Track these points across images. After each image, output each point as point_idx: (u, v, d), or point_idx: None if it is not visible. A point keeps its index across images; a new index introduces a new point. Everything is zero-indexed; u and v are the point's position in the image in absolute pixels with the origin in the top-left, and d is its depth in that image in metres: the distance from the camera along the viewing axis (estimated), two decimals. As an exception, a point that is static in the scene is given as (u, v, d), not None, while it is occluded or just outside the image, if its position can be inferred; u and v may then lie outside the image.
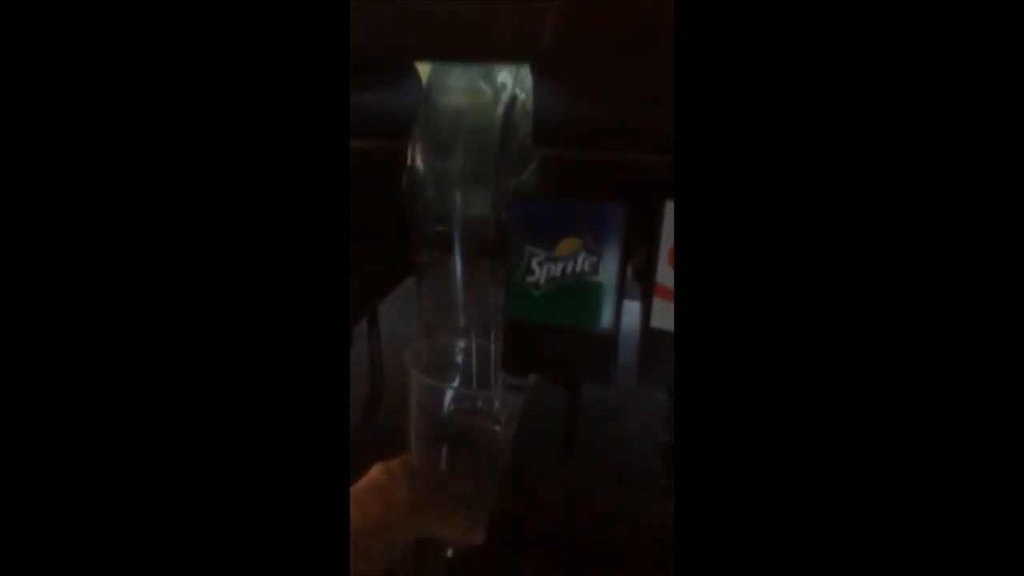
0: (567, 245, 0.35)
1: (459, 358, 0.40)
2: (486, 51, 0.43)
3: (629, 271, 0.37)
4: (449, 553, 0.38)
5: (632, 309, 0.38)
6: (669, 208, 0.34)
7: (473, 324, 0.46)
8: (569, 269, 0.35)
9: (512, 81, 0.46)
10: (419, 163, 0.44)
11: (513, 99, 0.45)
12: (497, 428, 0.38)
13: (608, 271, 0.35)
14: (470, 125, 0.45)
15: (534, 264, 0.36)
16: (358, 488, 0.37)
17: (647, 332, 0.35)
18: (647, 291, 0.35)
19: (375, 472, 0.38)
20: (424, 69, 0.46)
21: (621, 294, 0.36)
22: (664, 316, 0.35)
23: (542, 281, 0.36)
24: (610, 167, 0.44)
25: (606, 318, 0.36)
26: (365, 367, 0.51)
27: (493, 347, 0.40)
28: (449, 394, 0.38)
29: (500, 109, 0.44)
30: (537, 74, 0.45)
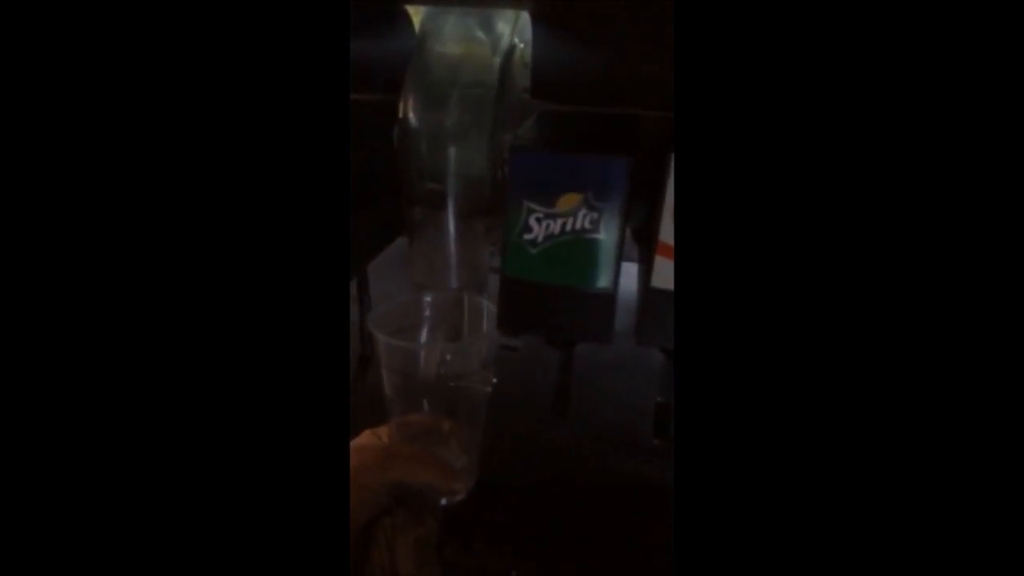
0: (567, 200, 0.34)
1: (426, 314, 0.39)
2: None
3: (628, 231, 0.36)
4: (444, 502, 0.38)
5: (627, 270, 0.37)
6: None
7: (466, 285, 0.45)
8: (569, 226, 0.34)
9: (510, 30, 0.44)
10: (411, 117, 0.42)
11: (511, 49, 0.43)
12: (488, 390, 0.37)
13: (609, 228, 0.34)
14: (466, 77, 0.43)
15: (532, 221, 0.34)
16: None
17: (648, 292, 0.35)
18: (648, 250, 0.34)
19: (362, 435, 0.39)
20: (417, 15, 0.44)
21: (620, 253, 0.35)
22: (667, 275, 0.34)
23: (540, 239, 0.35)
24: (613, 122, 0.42)
25: (605, 278, 0.35)
26: (355, 329, 0.50)
27: (466, 299, 0.39)
28: (434, 350, 0.37)
29: (498, 60, 0.42)
30: (536, 23, 0.43)
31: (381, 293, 0.52)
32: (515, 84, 0.45)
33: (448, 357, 0.36)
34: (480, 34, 0.43)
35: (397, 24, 0.44)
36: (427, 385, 0.36)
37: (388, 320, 0.37)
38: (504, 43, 0.43)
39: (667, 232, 0.33)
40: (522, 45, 0.44)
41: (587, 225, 0.34)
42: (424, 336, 0.39)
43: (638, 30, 0.41)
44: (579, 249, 0.34)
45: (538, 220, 0.34)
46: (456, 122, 0.43)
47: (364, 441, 0.38)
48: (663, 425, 0.46)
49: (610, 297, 0.35)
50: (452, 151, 0.42)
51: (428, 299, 0.40)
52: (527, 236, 0.35)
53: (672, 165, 0.32)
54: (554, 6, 0.41)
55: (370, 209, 0.46)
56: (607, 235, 0.34)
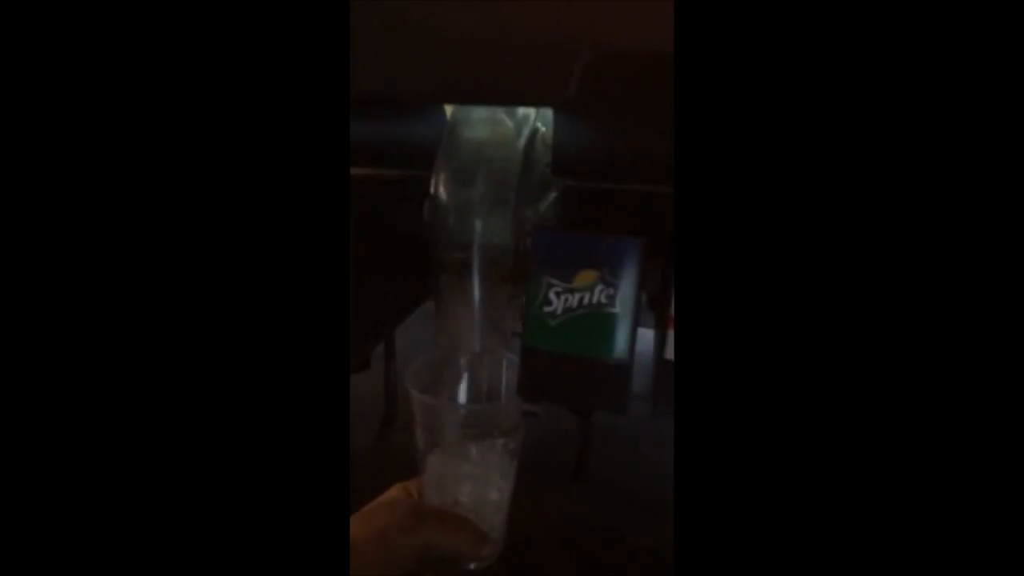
0: (585, 277, 0.36)
1: (464, 375, 0.40)
2: (513, 96, 0.44)
3: (644, 299, 0.38)
4: (472, 566, 0.38)
5: (644, 336, 0.39)
6: (685, 243, 0.35)
7: (490, 348, 0.47)
8: (586, 300, 0.36)
9: (534, 114, 0.47)
10: (441, 191, 0.45)
11: (535, 131, 0.47)
12: (512, 446, 0.37)
13: (624, 303, 0.36)
14: (492, 155, 0.46)
15: (552, 295, 0.37)
16: (376, 503, 0.37)
17: (660, 363, 0.36)
18: (661, 322, 0.36)
19: (392, 490, 0.39)
20: (449, 105, 0.48)
21: (636, 325, 0.37)
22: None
23: (559, 311, 0.37)
24: (627, 199, 0.45)
25: (621, 348, 0.37)
26: (381, 388, 0.53)
27: (505, 362, 0.40)
28: (458, 412, 0.37)
29: (521, 141, 0.46)
30: (556, 111, 0.47)
31: (409, 353, 0.54)
32: (538, 162, 0.48)
33: (474, 416, 0.37)
34: (505, 118, 0.47)
35: (432, 111, 0.48)
36: (456, 442, 0.37)
37: (424, 375, 0.38)
38: (528, 126, 0.46)
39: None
40: (544, 128, 0.48)
41: (603, 300, 0.36)
42: (460, 394, 0.40)
43: (650, 114, 0.44)
44: (596, 322, 0.36)
45: (557, 294, 0.37)
46: (482, 197, 0.46)
47: (395, 496, 0.38)
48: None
49: (626, 368, 0.37)
50: (478, 223, 0.45)
51: (464, 357, 0.41)
52: (547, 308, 0.37)
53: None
54: (574, 98, 0.44)
55: (401, 275, 0.49)
56: (623, 309, 0.36)
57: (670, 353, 0.36)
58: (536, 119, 0.47)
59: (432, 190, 0.46)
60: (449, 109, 0.47)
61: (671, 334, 0.36)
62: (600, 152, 0.48)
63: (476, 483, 0.37)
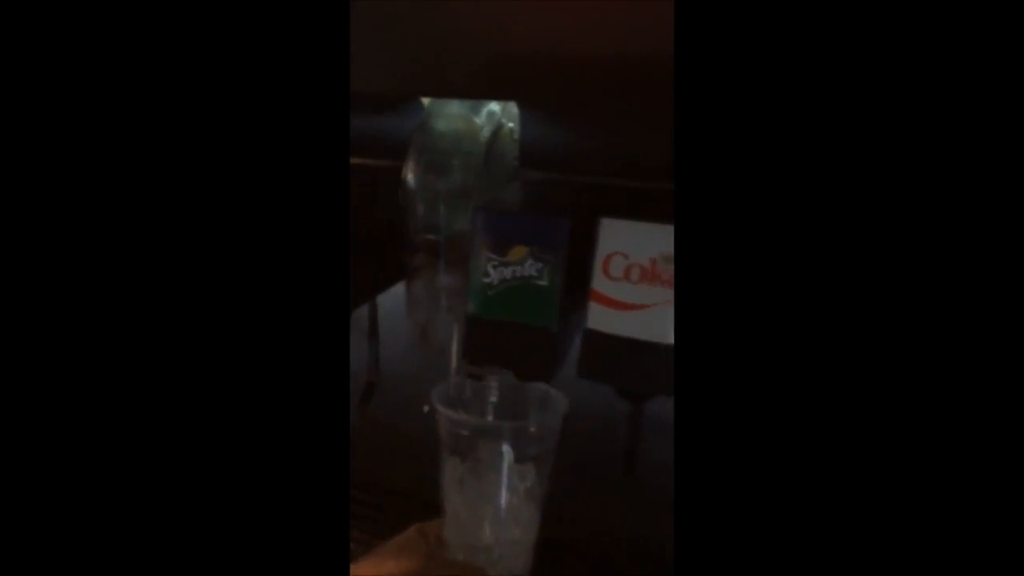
0: (517, 252, 0.40)
1: (492, 397, 0.39)
2: (482, 90, 0.49)
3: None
4: None
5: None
6: (605, 224, 0.39)
7: (455, 315, 0.51)
8: (519, 273, 0.41)
9: (500, 110, 0.52)
10: (411, 180, 0.51)
11: (499, 127, 0.51)
12: (530, 466, 0.35)
13: (553, 276, 0.40)
14: (459, 149, 0.51)
15: (490, 267, 0.41)
16: (391, 544, 0.36)
17: (585, 332, 0.40)
18: (585, 297, 0.40)
19: (410, 531, 0.37)
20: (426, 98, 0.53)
21: (565, 297, 0.41)
22: (599, 318, 0.40)
23: (496, 282, 0.41)
24: (571, 188, 0.49)
25: (551, 317, 0.41)
26: (360, 358, 0.58)
27: (530, 388, 0.39)
28: (498, 429, 0.36)
29: (484, 134, 0.51)
30: (521, 107, 0.51)
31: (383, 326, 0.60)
32: (505, 155, 0.53)
33: (511, 434, 0.35)
34: (474, 114, 0.52)
35: (410, 104, 0.54)
36: (484, 468, 0.35)
37: (449, 396, 0.36)
38: (494, 122, 0.51)
39: (598, 282, 0.39)
40: (511, 124, 0.53)
41: (534, 272, 0.40)
42: (488, 417, 0.38)
43: (605, 112, 0.48)
44: (528, 292, 0.41)
45: (494, 267, 0.41)
46: (448, 185, 0.51)
47: (410, 539, 0.36)
48: (630, 469, 0.50)
49: (554, 334, 0.41)
50: (442, 209, 0.50)
51: (494, 382, 0.39)
52: (486, 280, 0.42)
53: (601, 226, 0.39)
54: (535, 98, 0.49)
55: (377, 255, 0.54)
56: (551, 281, 0.40)
57: (593, 323, 0.40)
58: (502, 115, 0.52)
59: (404, 178, 0.51)
60: (426, 101, 0.52)
61: (593, 306, 0.40)
62: (560, 147, 0.52)
63: (499, 524, 0.35)
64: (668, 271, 0.38)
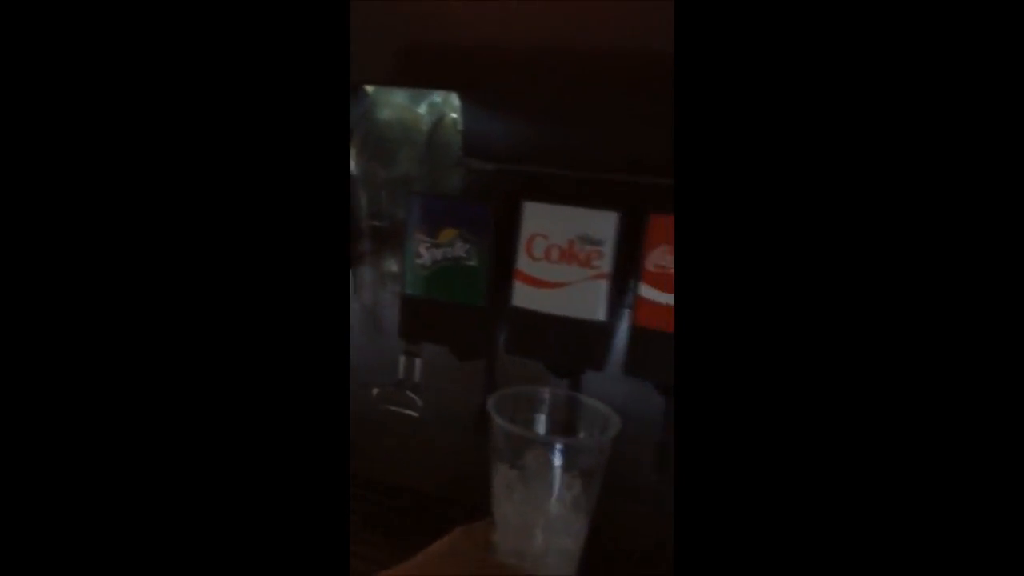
0: (447, 234, 0.43)
1: (545, 408, 0.39)
2: (426, 79, 0.51)
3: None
4: None
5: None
6: (527, 208, 0.41)
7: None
8: (449, 254, 0.43)
9: (442, 101, 0.54)
10: (354, 168, 0.53)
11: (441, 117, 0.54)
12: (576, 485, 0.35)
13: (481, 257, 0.43)
14: (401, 138, 0.54)
15: (422, 248, 0.44)
16: (436, 548, 0.35)
17: (510, 310, 0.43)
18: (511, 275, 0.43)
19: (456, 534, 0.36)
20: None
21: (494, 276, 0.43)
22: (523, 296, 0.42)
23: (428, 263, 0.44)
24: (511, 177, 0.52)
25: (480, 295, 0.43)
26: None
27: (581, 396, 0.39)
28: (552, 445, 0.35)
29: (426, 126, 0.53)
30: (462, 98, 0.54)
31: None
32: (448, 144, 0.55)
33: (566, 450, 0.35)
34: (416, 104, 0.54)
35: (354, 93, 0.56)
36: (537, 477, 0.35)
37: (506, 407, 0.37)
38: (436, 112, 0.54)
39: (522, 262, 0.42)
40: (454, 115, 0.55)
41: (463, 253, 0.43)
42: (539, 427, 0.38)
43: (539, 107, 0.51)
44: (457, 272, 0.43)
45: (426, 248, 0.43)
46: (392, 174, 0.54)
47: (459, 544, 0.35)
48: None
49: (484, 312, 0.43)
50: (385, 196, 0.53)
51: (547, 394, 0.39)
52: (419, 260, 0.44)
53: (524, 210, 0.41)
54: (478, 88, 0.51)
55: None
56: (479, 262, 0.43)
57: (518, 301, 0.42)
58: (445, 106, 0.54)
59: (351, 167, 0.54)
60: (370, 90, 0.54)
61: (516, 285, 0.42)
62: (499, 137, 0.54)
63: (550, 531, 0.35)
64: (585, 251, 0.40)
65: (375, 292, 0.56)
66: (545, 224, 0.41)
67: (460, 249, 0.43)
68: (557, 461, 0.35)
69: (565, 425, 0.38)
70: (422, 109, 0.54)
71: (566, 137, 0.50)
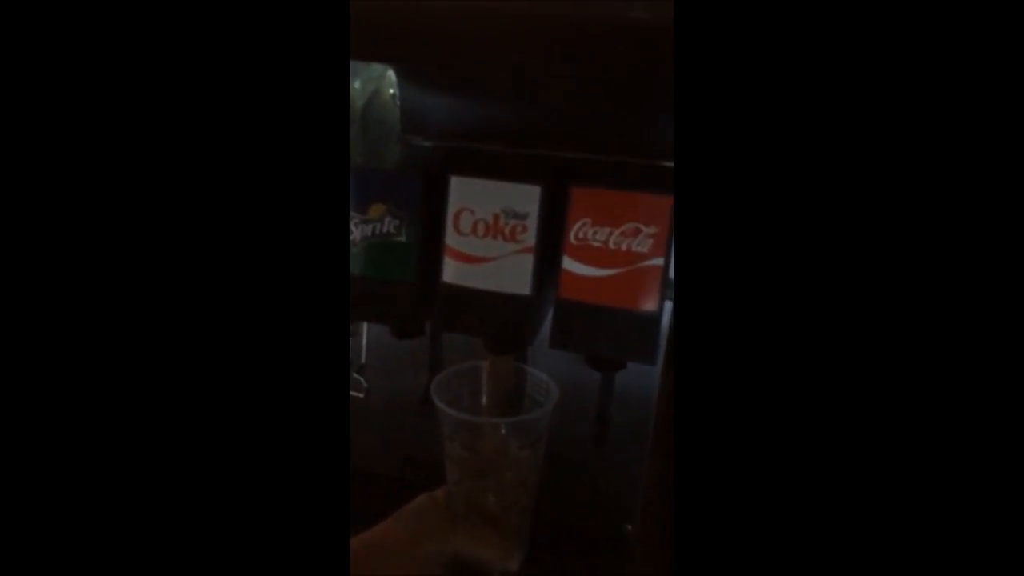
0: (376, 210, 0.43)
1: (484, 383, 0.40)
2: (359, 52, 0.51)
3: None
4: None
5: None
6: (454, 182, 0.41)
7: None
8: (378, 230, 0.43)
9: (378, 77, 0.54)
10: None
11: (375, 93, 0.53)
12: (526, 453, 0.37)
13: (411, 233, 0.43)
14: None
15: (352, 225, 0.43)
16: (401, 510, 0.37)
17: (441, 286, 0.43)
18: (440, 252, 0.43)
19: (420, 498, 0.38)
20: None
21: (424, 252, 0.43)
22: (452, 272, 0.42)
23: (358, 239, 0.44)
24: (450, 153, 0.51)
25: (410, 271, 0.43)
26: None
27: (522, 366, 0.40)
28: (498, 428, 0.37)
29: (360, 103, 0.52)
30: (398, 74, 0.53)
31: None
32: (385, 121, 0.55)
33: (513, 428, 0.36)
34: (352, 80, 0.53)
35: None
36: (488, 455, 0.37)
37: (449, 387, 0.38)
38: (370, 89, 0.53)
39: (451, 237, 0.42)
40: (392, 90, 0.55)
41: (392, 229, 0.43)
42: (483, 403, 0.40)
43: (475, 83, 0.51)
44: (388, 249, 0.43)
45: (356, 224, 0.43)
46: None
47: (423, 504, 0.38)
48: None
49: (415, 287, 0.44)
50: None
51: (486, 368, 0.40)
52: (350, 238, 0.44)
53: (450, 185, 0.41)
54: (410, 64, 0.50)
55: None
56: (409, 237, 0.43)
57: (448, 277, 0.43)
58: (382, 81, 0.54)
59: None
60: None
61: (448, 261, 0.42)
62: (436, 113, 0.54)
63: (502, 492, 0.37)
64: (509, 225, 0.41)
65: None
66: (471, 198, 0.41)
67: (389, 225, 0.43)
68: (505, 434, 0.36)
69: (509, 395, 0.39)
70: (356, 84, 0.53)
71: (500, 112, 0.50)
